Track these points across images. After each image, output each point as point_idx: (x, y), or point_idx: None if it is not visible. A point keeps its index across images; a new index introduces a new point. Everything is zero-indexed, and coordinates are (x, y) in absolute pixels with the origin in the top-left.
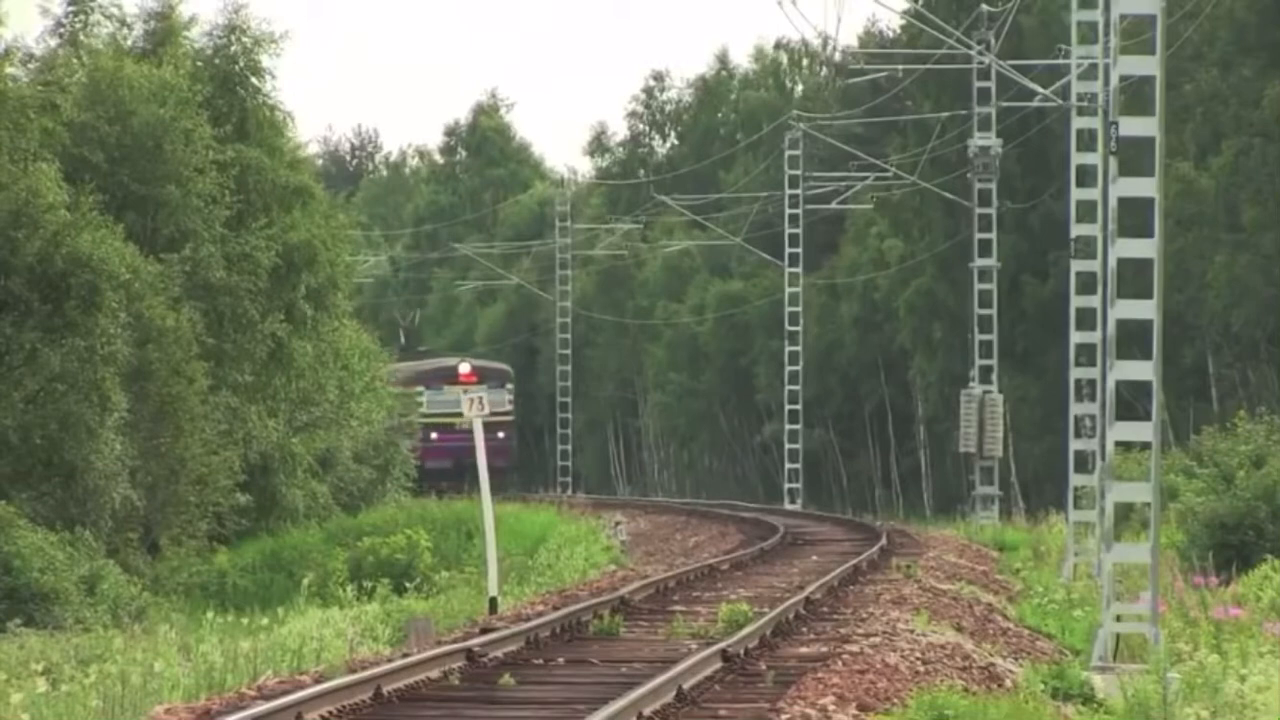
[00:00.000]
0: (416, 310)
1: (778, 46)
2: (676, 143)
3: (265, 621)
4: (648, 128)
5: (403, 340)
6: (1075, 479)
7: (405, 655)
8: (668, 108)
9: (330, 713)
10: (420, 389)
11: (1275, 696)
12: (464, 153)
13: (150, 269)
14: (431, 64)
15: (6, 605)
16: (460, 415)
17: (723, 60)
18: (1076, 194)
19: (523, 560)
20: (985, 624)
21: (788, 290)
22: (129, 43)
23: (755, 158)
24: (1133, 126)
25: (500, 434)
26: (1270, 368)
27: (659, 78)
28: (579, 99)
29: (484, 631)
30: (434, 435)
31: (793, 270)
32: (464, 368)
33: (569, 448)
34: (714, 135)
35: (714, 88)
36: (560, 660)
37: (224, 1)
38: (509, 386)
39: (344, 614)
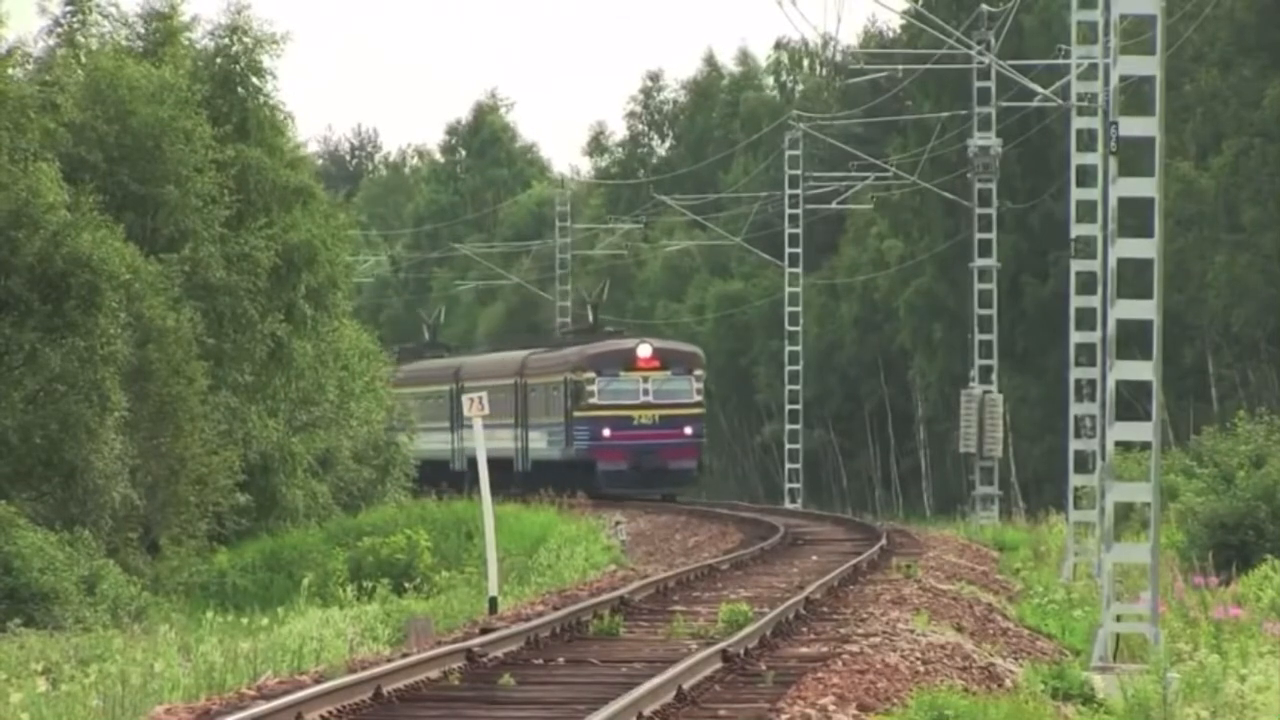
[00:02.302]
0: (606, 281)
1: (778, 46)
2: (674, 143)
3: (265, 621)
4: (646, 128)
5: (591, 318)
6: (1075, 479)
7: (405, 655)
8: (665, 108)
9: (330, 713)
10: (591, 375)
11: (1275, 696)
12: (464, 152)
13: (150, 269)
14: (431, 64)
15: (6, 605)
16: (643, 407)
17: (710, 62)
18: (1076, 194)
19: (523, 560)
20: (985, 624)
21: (788, 290)
22: (129, 43)
23: (755, 158)
24: (1133, 126)
25: (687, 429)
26: (1270, 368)
27: (654, 78)
28: (579, 99)
29: (484, 631)
30: (606, 431)
31: (793, 270)
32: (643, 351)
33: None
34: (710, 136)
35: (706, 89)
36: (560, 660)
37: (226, 1)
38: (697, 374)
39: (344, 614)
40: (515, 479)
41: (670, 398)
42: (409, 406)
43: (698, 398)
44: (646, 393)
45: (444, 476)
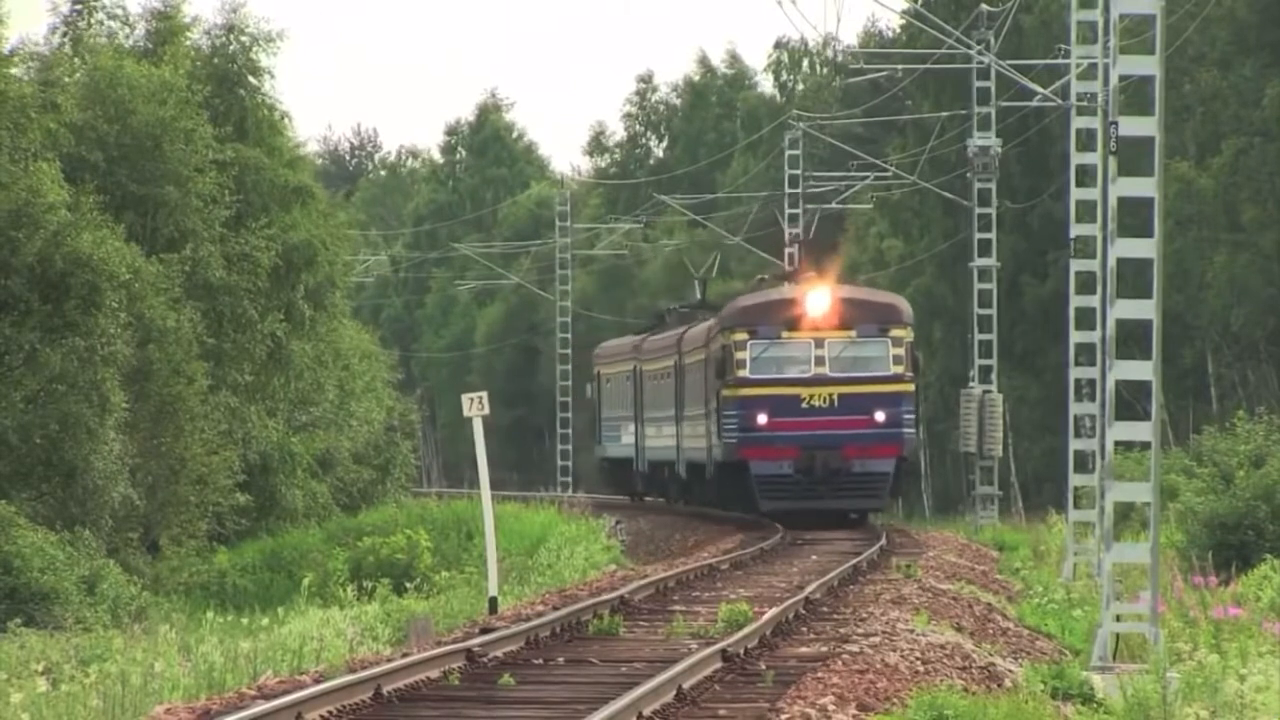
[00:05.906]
0: (817, 213)
1: (778, 45)
2: (669, 145)
3: (265, 621)
4: (643, 129)
5: (796, 263)
6: (1075, 479)
7: (405, 655)
8: (661, 108)
9: (330, 713)
10: (743, 336)
11: (1275, 696)
12: (464, 152)
13: (150, 269)
14: (431, 64)
15: (6, 605)
16: (815, 383)
17: (704, 63)
18: (1076, 194)
19: (523, 560)
20: (985, 624)
21: None
22: (130, 42)
23: (755, 157)
24: (1133, 126)
25: (880, 414)
26: (1270, 368)
27: (646, 80)
28: (579, 99)
29: (484, 631)
30: (762, 418)
31: (793, 270)
32: (816, 301)
33: (569, 448)
34: (706, 136)
35: (701, 90)
36: (560, 660)
37: (223, 1)
38: (895, 334)
39: (344, 614)
40: (707, 488)
41: (857, 369)
42: (644, 388)
43: (897, 369)
44: (821, 361)
45: (672, 482)
